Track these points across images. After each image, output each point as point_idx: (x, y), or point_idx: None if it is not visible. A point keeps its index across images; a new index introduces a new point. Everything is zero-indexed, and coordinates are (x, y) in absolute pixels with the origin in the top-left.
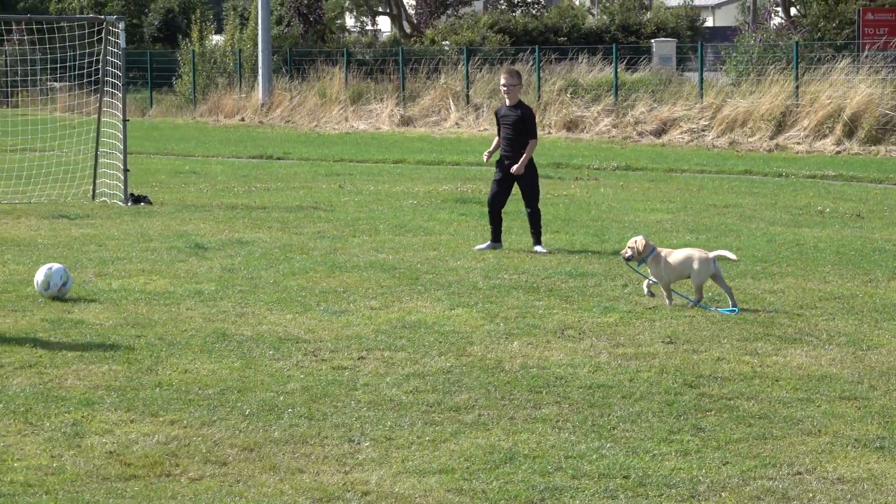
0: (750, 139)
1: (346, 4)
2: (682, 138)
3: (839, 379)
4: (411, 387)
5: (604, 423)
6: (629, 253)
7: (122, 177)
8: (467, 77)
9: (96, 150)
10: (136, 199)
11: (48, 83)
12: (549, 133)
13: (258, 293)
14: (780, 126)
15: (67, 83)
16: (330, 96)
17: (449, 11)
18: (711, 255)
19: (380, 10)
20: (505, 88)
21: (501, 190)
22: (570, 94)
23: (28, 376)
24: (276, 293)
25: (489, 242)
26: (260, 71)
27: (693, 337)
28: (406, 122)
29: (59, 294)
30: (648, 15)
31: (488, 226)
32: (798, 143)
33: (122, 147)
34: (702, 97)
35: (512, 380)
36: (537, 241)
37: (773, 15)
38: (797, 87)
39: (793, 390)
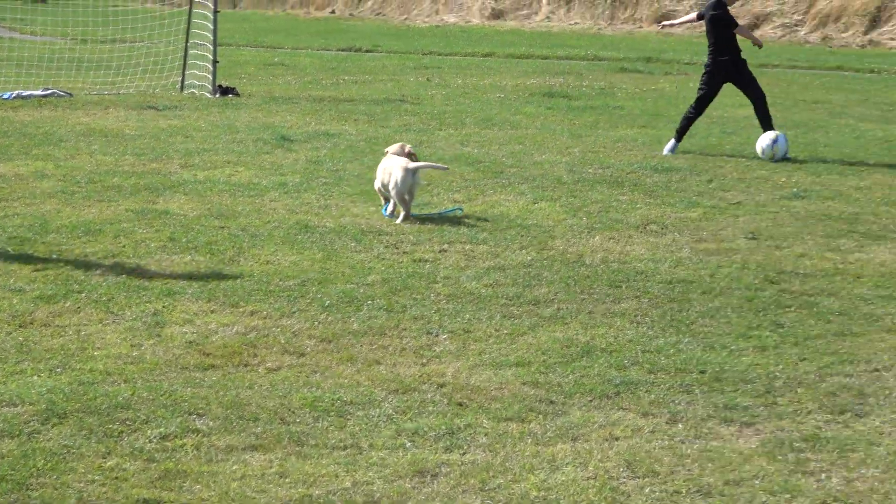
0: (843, 35)
1: None
2: (775, 33)
3: None
4: (491, 280)
5: (682, 318)
6: None
7: (211, 68)
8: None
9: (186, 41)
10: (224, 91)
11: None
12: (641, 27)
13: (342, 185)
14: (875, 21)
15: None
16: None
17: None
18: (413, 165)
19: None
20: None
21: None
22: None
23: (111, 266)
24: (360, 185)
25: (674, 142)
26: None
27: (776, 233)
28: (497, 15)
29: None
30: None
31: (574, 120)
32: (892, 39)
33: (211, 38)
34: None
35: (592, 274)
36: (768, 127)
37: None
38: None
39: (874, 287)
